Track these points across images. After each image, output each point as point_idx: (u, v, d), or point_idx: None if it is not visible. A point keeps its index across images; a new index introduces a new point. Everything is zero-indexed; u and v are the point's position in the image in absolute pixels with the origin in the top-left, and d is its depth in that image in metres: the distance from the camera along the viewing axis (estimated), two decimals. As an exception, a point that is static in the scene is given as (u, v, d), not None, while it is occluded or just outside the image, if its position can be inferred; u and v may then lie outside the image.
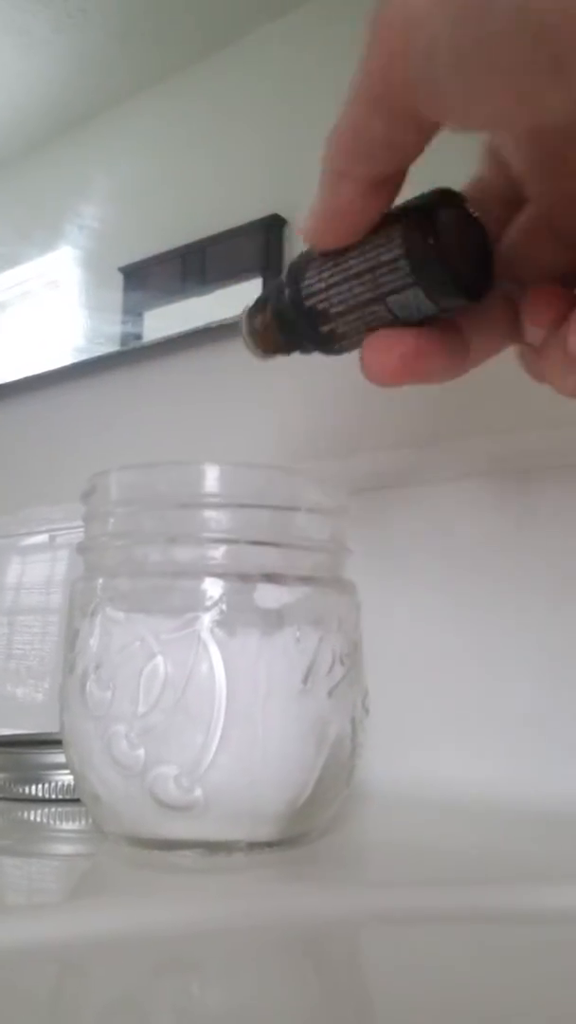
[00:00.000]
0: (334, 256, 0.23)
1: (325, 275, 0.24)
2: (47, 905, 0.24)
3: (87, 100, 0.60)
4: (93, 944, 0.20)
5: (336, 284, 0.24)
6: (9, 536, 0.54)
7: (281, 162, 0.52)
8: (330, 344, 0.25)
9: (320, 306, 0.24)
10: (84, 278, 0.61)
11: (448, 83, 0.18)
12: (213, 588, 0.26)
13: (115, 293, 0.58)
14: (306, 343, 0.26)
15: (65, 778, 0.33)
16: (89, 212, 0.60)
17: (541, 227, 0.23)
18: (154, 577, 0.26)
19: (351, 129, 0.21)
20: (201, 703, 0.25)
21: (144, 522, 0.27)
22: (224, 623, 0.25)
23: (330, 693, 0.26)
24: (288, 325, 0.25)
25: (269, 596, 0.26)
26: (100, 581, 0.27)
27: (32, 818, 0.32)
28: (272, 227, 0.51)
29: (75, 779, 0.28)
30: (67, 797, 0.33)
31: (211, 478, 0.26)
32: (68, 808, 0.33)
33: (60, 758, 0.30)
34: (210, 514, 0.26)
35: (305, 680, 0.26)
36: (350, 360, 0.47)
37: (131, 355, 0.54)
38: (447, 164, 0.23)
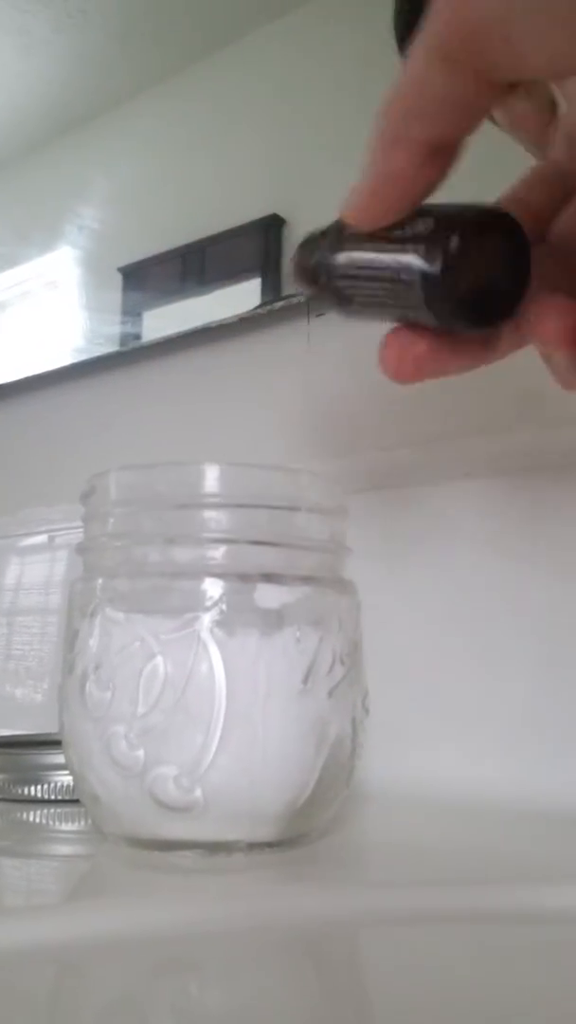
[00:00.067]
0: (368, 244, 0.22)
1: (355, 264, 0.23)
2: (46, 906, 0.24)
3: (87, 101, 0.60)
4: (92, 945, 0.20)
5: (363, 279, 0.23)
6: (8, 537, 0.54)
7: (280, 162, 0.52)
8: (351, 317, 0.25)
9: (347, 291, 0.24)
10: (83, 278, 0.61)
11: (524, 24, 0.17)
12: (213, 588, 0.26)
13: (114, 293, 0.58)
14: (333, 308, 0.25)
15: (64, 779, 0.33)
16: (88, 212, 0.60)
17: None
18: (153, 577, 0.26)
19: (412, 86, 0.20)
20: (201, 703, 0.25)
21: (143, 522, 0.27)
22: (224, 623, 0.25)
23: (330, 693, 0.26)
24: (319, 288, 0.25)
25: (269, 596, 0.26)
26: (99, 581, 0.27)
27: (31, 819, 0.32)
28: (271, 227, 0.51)
29: (74, 780, 0.28)
30: (66, 798, 0.33)
31: (210, 478, 0.26)
32: (67, 809, 0.33)
33: (59, 759, 0.30)
34: (209, 514, 0.26)
35: (305, 680, 0.26)
36: (348, 361, 0.47)
37: (130, 355, 0.54)
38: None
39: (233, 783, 0.25)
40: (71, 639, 0.28)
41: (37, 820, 0.32)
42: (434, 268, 0.21)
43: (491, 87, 0.19)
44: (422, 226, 0.22)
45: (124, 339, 0.57)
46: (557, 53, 0.18)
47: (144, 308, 0.57)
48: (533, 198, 0.24)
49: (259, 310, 0.48)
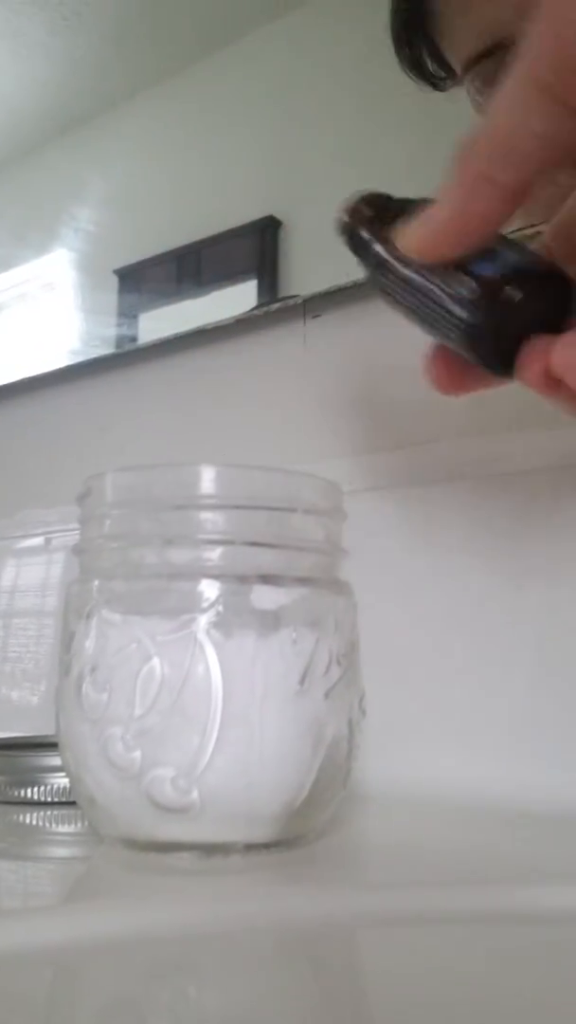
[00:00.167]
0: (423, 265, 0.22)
1: (403, 274, 0.23)
2: (43, 908, 0.24)
3: (82, 103, 0.60)
4: (89, 947, 0.20)
5: (408, 290, 0.23)
6: (4, 539, 0.54)
7: (276, 164, 0.52)
8: (384, 301, 0.25)
9: (388, 288, 0.24)
10: (79, 280, 0.61)
11: None
12: (209, 590, 0.26)
13: (110, 295, 0.58)
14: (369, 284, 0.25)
15: (61, 781, 0.33)
16: (84, 214, 0.60)
17: None
18: (150, 579, 0.26)
19: (506, 126, 0.19)
20: (197, 705, 0.25)
21: (140, 524, 0.27)
22: (220, 625, 0.25)
23: (327, 694, 0.26)
24: (363, 264, 0.25)
25: (266, 597, 0.26)
26: (96, 583, 0.27)
27: (28, 821, 0.32)
28: (267, 229, 0.51)
29: (71, 782, 0.28)
30: (63, 800, 0.33)
31: (207, 479, 0.26)
32: (64, 811, 0.33)
33: (56, 761, 0.30)
34: (206, 515, 0.26)
35: (302, 681, 0.26)
36: (345, 362, 0.47)
37: (126, 357, 0.54)
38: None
39: (230, 784, 0.25)
40: (67, 641, 0.28)
41: (34, 822, 0.32)
42: (482, 321, 0.21)
43: None
44: (479, 270, 0.21)
45: (120, 341, 0.57)
46: None
47: (140, 310, 0.57)
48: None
49: (255, 312, 0.48)
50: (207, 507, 0.26)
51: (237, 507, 0.26)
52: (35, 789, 0.33)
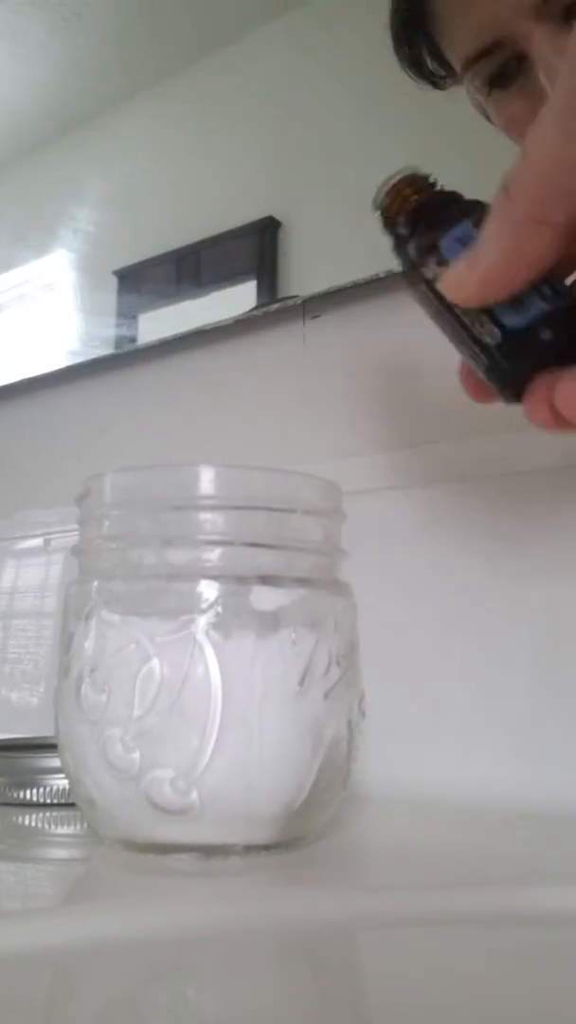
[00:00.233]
0: None
1: (435, 296, 0.23)
2: (43, 910, 0.24)
3: (82, 103, 0.60)
4: (89, 949, 0.19)
5: (437, 311, 0.23)
6: (3, 540, 0.54)
7: (276, 164, 0.52)
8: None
9: (419, 296, 0.24)
10: (79, 281, 0.61)
11: None
12: (208, 590, 0.26)
13: (110, 296, 0.58)
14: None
15: (60, 782, 0.33)
16: (84, 215, 0.60)
17: None
18: (149, 580, 0.26)
19: (552, 164, 0.19)
20: (197, 706, 0.25)
21: (139, 525, 0.27)
22: (220, 625, 0.25)
23: (326, 695, 0.26)
24: (398, 261, 0.25)
25: (265, 598, 0.26)
26: (95, 584, 0.27)
27: (27, 823, 0.32)
28: (267, 229, 0.51)
29: (70, 783, 0.28)
30: (62, 801, 0.33)
31: (206, 480, 0.26)
32: (63, 812, 0.33)
33: (55, 762, 0.30)
34: (205, 516, 0.26)
35: (301, 682, 0.26)
36: (345, 363, 0.47)
37: (126, 358, 0.54)
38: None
39: (229, 786, 0.25)
40: (67, 642, 0.27)
41: (33, 824, 0.32)
42: (502, 368, 0.22)
43: None
44: (506, 319, 0.22)
45: (120, 342, 0.57)
46: None
47: (140, 311, 0.57)
48: None
49: (255, 312, 0.48)
50: (206, 508, 0.26)
51: (236, 508, 0.26)
52: (34, 791, 0.33)
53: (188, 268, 0.55)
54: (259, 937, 0.21)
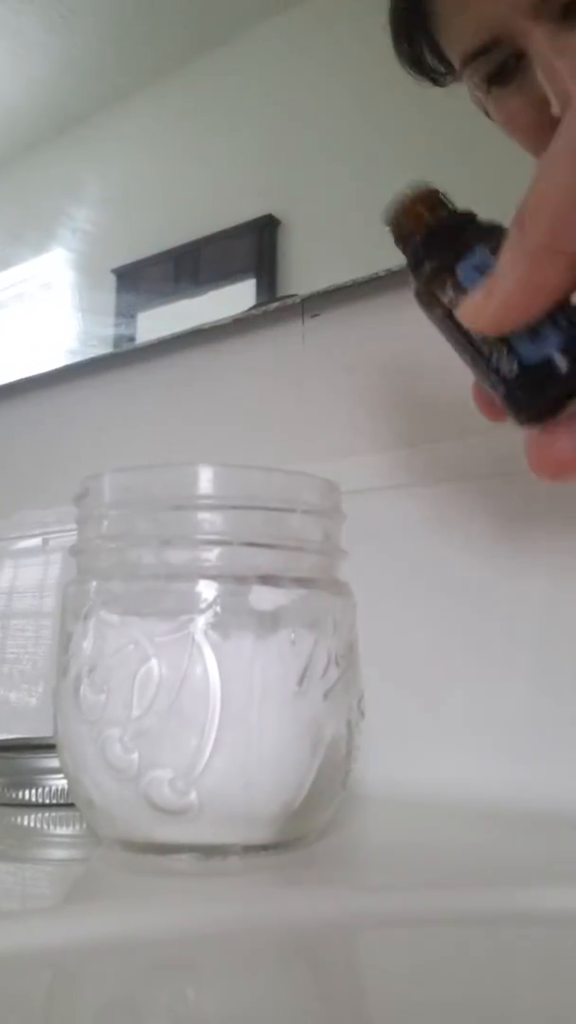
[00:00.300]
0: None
1: (452, 320, 0.23)
2: (42, 910, 0.24)
3: (79, 102, 0.60)
4: (88, 949, 0.19)
5: (454, 336, 0.24)
6: (2, 540, 0.54)
7: (274, 163, 0.52)
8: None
9: (434, 319, 0.24)
10: (77, 280, 0.61)
11: None
12: (207, 590, 0.25)
13: (108, 295, 0.58)
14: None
15: (59, 782, 0.33)
16: (82, 214, 0.60)
17: None
18: (148, 580, 0.26)
19: (569, 199, 0.19)
20: (195, 706, 0.25)
21: (137, 524, 0.27)
22: (218, 625, 0.25)
23: (325, 695, 0.26)
24: (412, 277, 0.25)
25: (264, 598, 0.26)
26: (93, 584, 0.27)
27: (26, 823, 0.32)
28: (266, 227, 0.51)
29: (69, 783, 0.28)
30: (61, 802, 0.33)
31: (205, 480, 0.26)
32: (62, 813, 0.33)
33: (54, 762, 0.30)
34: (204, 516, 0.26)
35: (300, 682, 0.26)
36: (344, 362, 0.47)
37: (124, 357, 0.54)
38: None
39: (228, 786, 0.25)
40: (65, 642, 0.27)
41: (32, 824, 0.32)
42: (517, 398, 0.22)
43: None
44: (523, 350, 0.22)
45: (118, 341, 0.57)
46: None
47: (138, 309, 0.57)
48: None
49: (253, 311, 0.48)
50: (205, 507, 0.26)
51: (235, 507, 0.26)
52: (33, 791, 0.33)
53: (187, 267, 0.55)
54: (258, 937, 0.21)
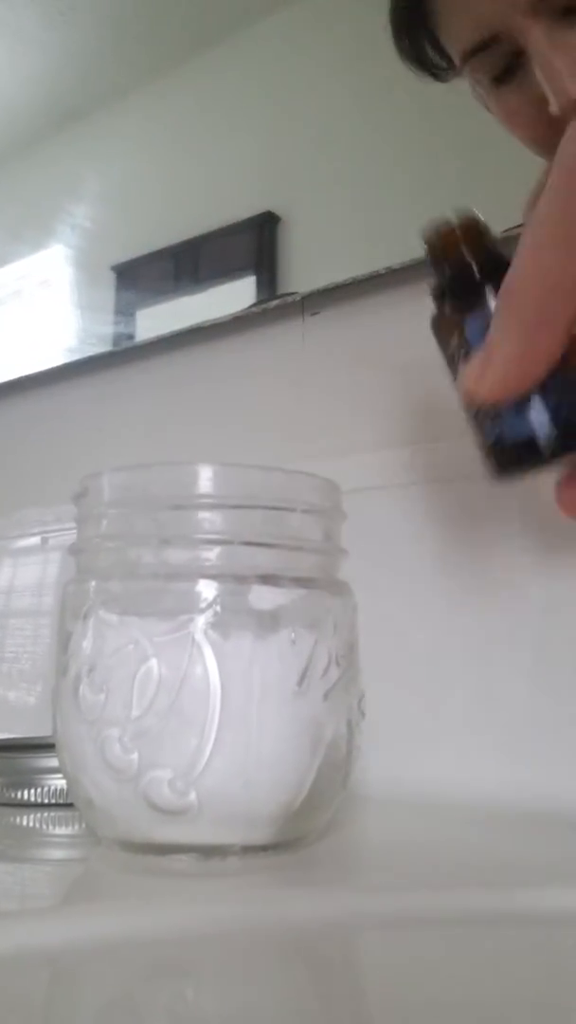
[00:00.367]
0: None
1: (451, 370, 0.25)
2: (41, 910, 0.24)
3: (78, 98, 0.60)
4: (87, 949, 0.19)
5: (454, 375, 0.25)
6: (1, 538, 0.54)
7: (274, 159, 0.52)
8: None
9: (439, 346, 0.25)
10: (76, 277, 0.61)
11: None
12: (207, 590, 0.25)
13: (107, 292, 0.57)
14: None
15: (58, 782, 0.33)
16: (81, 210, 0.60)
17: None
18: (147, 579, 0.26)
19: (555, 273, 0.20)
20: (195, 706, 0.25)
21: (137, 524, 0.27)
22: (218, 625, 0.25)
23: (325, 696, 0.26)
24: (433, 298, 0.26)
25: (264, 598, 0.26)
26: (93, 583, 0.27)
27: (25, 823, 0.32)
28: (266, 224, 0.50)
29: (68, 783, 0.27)
30: (60, 801, 0.33)
31: (204, 479, 0.26)
32: (61, 813, 0.33)
33: (53, 762, 0.30)
34: (204, 515, 0.26)
35: (300, 682, 0.26)
36: (346, 360, 0.47)
37: (123, 355, 0.54)
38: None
39: (228, 786, 0.25)
40: (64, 641, 0.27)
41: (31, 824, 0.32)
42: (496, 466, 0.24)
43: None
44: (509, 424, 0.23)
45: (117, 339, 0.56)
46: None
47: (137, 307, 0.56)
48: None
49: (253, 309, 0.48)
50: (204, 506, 0.26)
51: (235, 506, 0.26)
52: (32, 791, 0.33)
53: (186, 264, 0.54)
54: (258, 937, 0.21)
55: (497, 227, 0.39)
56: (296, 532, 0.27)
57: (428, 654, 0.38)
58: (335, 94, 0.48)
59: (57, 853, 0.30)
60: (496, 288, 0.23)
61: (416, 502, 0.39)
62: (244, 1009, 0.17)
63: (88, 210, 0.60)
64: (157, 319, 0.55)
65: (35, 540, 0.52)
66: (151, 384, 0.52)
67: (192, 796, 0.25)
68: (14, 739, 0.40)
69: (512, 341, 0.21)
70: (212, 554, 0.26)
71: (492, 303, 0.23)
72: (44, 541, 0.52)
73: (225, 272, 0.53)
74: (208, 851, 0.25)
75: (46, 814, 0.33)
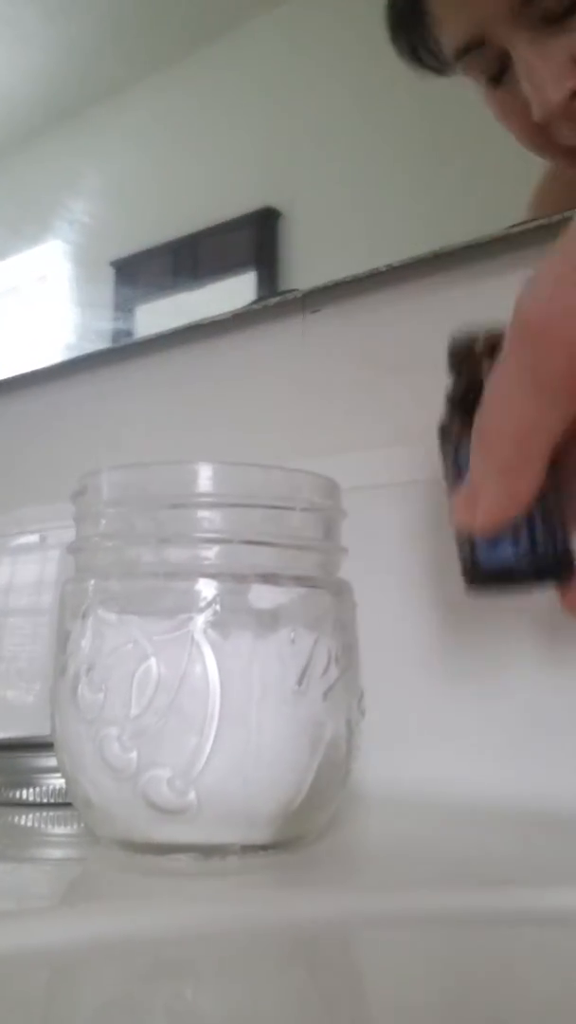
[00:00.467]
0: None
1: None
2: (39, 910, 0.24)
3: (77, 92, 0.59)
4: (86, 949, 0.19)
5: (448, 482, 0.27)
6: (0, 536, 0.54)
7: (274, 154, 0.51)
8: None
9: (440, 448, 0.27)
10: (74, 273, 0.61)
11: None
12: (207, 589, 0.25)
13: (106, 288, 0.57)
14: None
15: (57, 782, 0.33)
16: (79, 206, 0.60)
17: None
18: (146, 578, 0.26)
19: (527, 428, 0.21)
20: (194, 705, 0.25)
21: (136, 522, 0.27)
22: (218, 624, 0.25)
23: (325, 695, 0.26)
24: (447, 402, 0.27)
25: (264, 596, 0.26)
26: (92, 582, 0.27)
27: (23, 822, 0.32)
28: (265, 220, 0.50)
29: (67, 783, 0.27)
30: (59, 801, 0.33)
31: (204, 477, 0.26)
32: (60, 812, 0.33)
33: (51, 761, 0.30)
34: (203, 514, 0.26)
35: (300, 682, 0.26)
36: (347, 358, 0.46)
37: (122, 351, 0.54)
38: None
39: (227, 785, 0.25)
40: (63, 640, 0.27)
41: (29, 824, 0.32)
42: (469, 586, 0.26)
43: None
44: (482, 554, 0.25)
45: (116, 335, 0.56)
46: None
47: (136, 303, 0.56)
48: None
49: (253, 305, 0.48)
50: (204, 505, 0.26)
51: (234, 505, 0.26)
52: (30, 790, 0.33)
53: (186, 260, 0.54)
54: (257, 937, 0.21)
55: (499, 225, 0.38)
56: (296, 531, 0.27)
57: (428, 653, 0.38)
58: (336, 90, 0.48)
59: (56, 852, 0.30)
60: None
61: (417, 500, 0.39)
62: (243, 1008, 0.17)
63: (87, 205, 0.60)
64: (156, 315, 0.55)
65: (34, 538, 0.52)
66: (150, 381, 0.52)
67: (191, 795, 0.25)
68: (13, 738, 0.40)
69: (494, 483, 0.22)
70: (211, 553, 0.26)
71: None
72: (43, 539, 0.52)
73: (225, 268, 0.53)
74: (207, 850, 0.25)
75: (45, 813, 0.33)
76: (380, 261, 0.42)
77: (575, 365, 0.20)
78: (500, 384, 0.21)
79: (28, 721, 0.47)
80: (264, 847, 0.26)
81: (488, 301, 0.39)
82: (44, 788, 0.33)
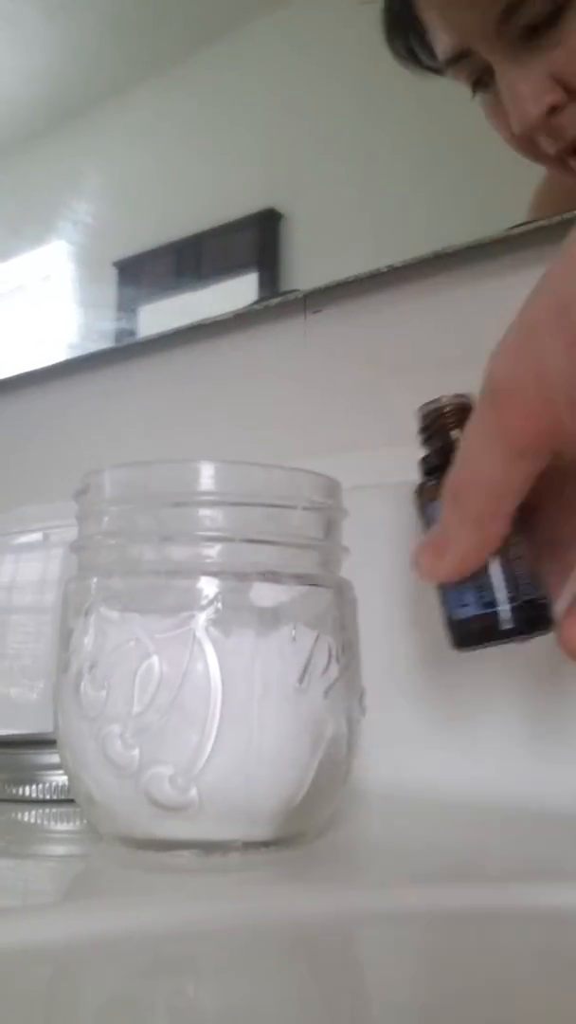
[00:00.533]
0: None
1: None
2: (42, 906, 0.24)
3: (80, 92, 0.60)
4: (88, 945, 0.19)
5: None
6: (2, 534, 0.54)
7: (277, 156, 0.51)
8: None
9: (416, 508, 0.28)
10: (78, 273, 0.61)
11: None
12: (208, 587, 0.25)
13: (109, 288, 0.57)
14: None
15: (59, 779, 0.33)
16: (82, 206, 0.60)
17: None
18: (149, 576, 0.26)
19: (496, 481, 0.22)
20: (196, 703, 0.25)
21: (138, 520, 0.27)
22: (219, 622, 0.25)
23: (326, 693, 0.26)
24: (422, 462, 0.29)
25: (265, 595, 0.26)
26: (94, 580, 0.27)
27: (26, 819, 0.32)
28: (268, 221, 0.50)
29: (69, 780, 0.28)
30: (61, 798, 0.33)
31: (206, 476, 0.26)
32: (62, 809, 0.33)
33: (54, 759, 0.30)
34: (205, 512, 0.26)
35: (301, 679, 0.26)
36: (348, 358, 0.46)
37: (125, 351, 0.54)
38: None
39: (229, 782, 0.25)
40: (66, 638, 0.27)
41: (32, 820, 0.32)
42: (460, 643, 0.27)
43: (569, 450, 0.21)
44: (452, 605, 0.26)
45: (119, 335, 0.56)
46: None
47: (139, 303, 0.56)
48: None
49: (255, 306, 0.48)
50: (206, 503, 0.26)
51: (236, 503, 0.26)
52: (33, 787, 0.33)
53: (188, 260, 0.54)
54: (259, 933, 0.21)
55: (499, 225, 0.39)
56: (297, 529, 0.27)
57: (429, 651, 0.38)
58: (338, 90, 0.48)
59: (58, 849, 0.30)
60: None
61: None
62: (245, 1005, 0.17)
63: (90, 206, 0.60)
64: (159, 315, 0.55)
65: (37, 536, 0.52)
66: (153, 381, 0.52)
67: (193, 792, 0.25)
68: (15, 735, 0.40)
69: (465, 531, 0.24)
70: (213, 551, 0.26)
71: None
72: (46, 537, 0.52)
73: (227, 269, 0.53)
74: (209, 847, 0.26)
75: (47, 810, 0.33)
76: (381, 262, 0.42)
77: (539, 425, 0.21)
78: (472, 441, 0.23)
79: (31, 718, 0.47)
80: (265, 844, 0.26)
81: (489, 302, 0.39)
82: (47, 785, 0.33)
